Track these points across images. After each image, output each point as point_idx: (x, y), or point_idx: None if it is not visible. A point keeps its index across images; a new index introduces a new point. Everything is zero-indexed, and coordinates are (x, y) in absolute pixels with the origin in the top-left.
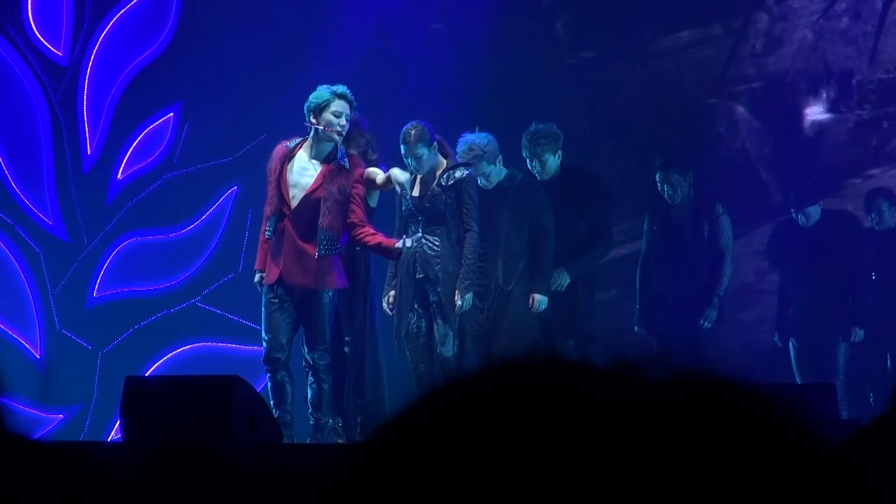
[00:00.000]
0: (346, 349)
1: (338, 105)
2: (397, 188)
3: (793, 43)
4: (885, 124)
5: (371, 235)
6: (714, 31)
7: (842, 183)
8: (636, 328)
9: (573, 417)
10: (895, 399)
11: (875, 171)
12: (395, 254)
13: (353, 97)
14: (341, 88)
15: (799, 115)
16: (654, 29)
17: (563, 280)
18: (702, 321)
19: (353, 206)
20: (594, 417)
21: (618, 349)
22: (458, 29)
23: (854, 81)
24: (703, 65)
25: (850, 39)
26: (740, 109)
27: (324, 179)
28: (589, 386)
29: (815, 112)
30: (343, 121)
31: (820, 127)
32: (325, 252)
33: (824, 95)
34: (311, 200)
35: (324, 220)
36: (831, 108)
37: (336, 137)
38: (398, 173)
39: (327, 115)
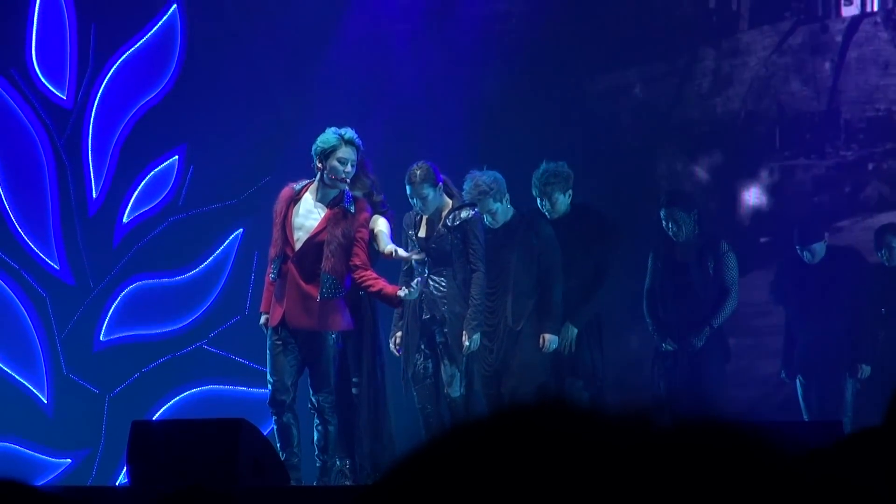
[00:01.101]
0: (354, 391)
1: (343, 152)
2: (395, 255)
3: (743, 82)
4: (870, 165)
5: (373, 280)
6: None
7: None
8: (663, 347)
9: (582, 466)
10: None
11: (844, 223)
12: (395, 302)
13: (360, 141)
14: (349, 133)
15: (752, 162)
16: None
17: (571, 334)
18: (685, 344)
19: (356, 250)
20: (603, 466)
21: (627, 395)
22: (463, 69)
23: (814, 124)
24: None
25: (806, 77)
26: (684, 156)
27: (328, 223)
28: (598, 434)
29: (771, 158)
30: (349, 167)
31: (777, 175)
32: (327, 295)
33: (778, 139)
34: (315, 243)
35: (326, 264)
36: (790, 154)
37: (340, 185)
38: (402, 252)
39: (332, 162)
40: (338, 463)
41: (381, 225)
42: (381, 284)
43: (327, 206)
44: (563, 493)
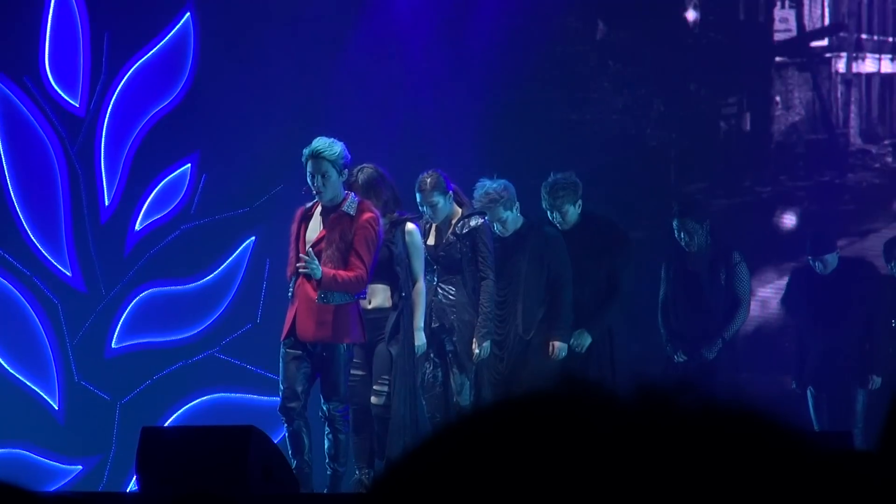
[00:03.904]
0: (374, 399)
1: (310, 166)
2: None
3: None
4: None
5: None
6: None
7: None
8: (676, 358)
9: (595, 451)
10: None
11: None
12: None
13: (325, 149)
14: (311, 146)
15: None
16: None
17: (585, 341)
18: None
19: (351, 254)
20: (620, 452)
21: (644, 378)
22: (473, 78)
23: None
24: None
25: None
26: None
27: (327, 229)
28: (613, 418)
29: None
30: (318, 180)
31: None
32: (325, 300)
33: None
34: (316, 252)
35: (324, 269)
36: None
37: (318, 198)
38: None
39: (307, 177)
40: (357, 473)
41: (416, 238)
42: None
43: (331, 214)
44: (579, 481)
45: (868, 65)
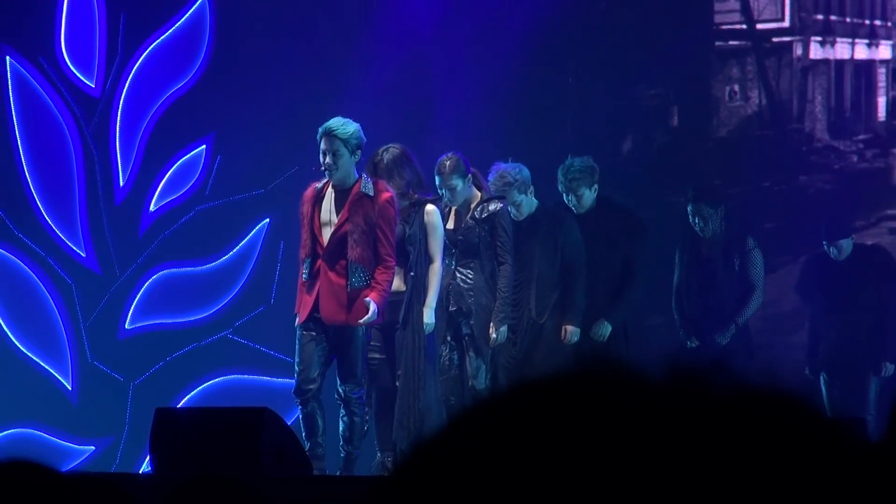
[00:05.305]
0: (398, 383)
1: (322, 143)
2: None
3: None
4: None
5: (372, 283)
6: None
7: None
8: (689, 343)
9: (630, 432)
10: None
11: None
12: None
13: (339, 128)
14: (326, 124)
15: None
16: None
17: (605, 330)
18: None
19: (379, 236)
20: (653, 431)
21: (674, 360)
22: (490, 61)
23: None
24: None
25: None
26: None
27: (349, 212)
28: (646, 397)
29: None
30: (328, 158)
31: None
32: (357, 285)
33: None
34: (340, 235)
35: (352, 254)
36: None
37: (327, 175)
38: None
39: (319, 155)
40: (379, 455)
41: (434, 218)
42: (373, 292)
43: (347, 196)
44: (613, 462)
45: (839, 50)
